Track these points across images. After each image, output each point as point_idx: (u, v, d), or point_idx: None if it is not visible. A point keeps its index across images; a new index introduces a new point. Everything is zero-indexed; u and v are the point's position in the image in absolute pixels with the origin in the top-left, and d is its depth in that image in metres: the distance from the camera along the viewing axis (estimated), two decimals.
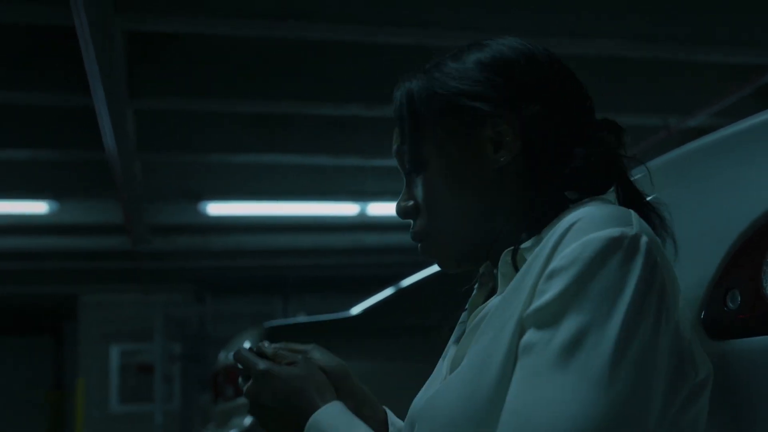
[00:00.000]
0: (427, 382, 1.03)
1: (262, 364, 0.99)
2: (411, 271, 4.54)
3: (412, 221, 0.99)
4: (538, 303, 0.79)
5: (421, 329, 3.74)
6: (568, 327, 0.77)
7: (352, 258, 10.20)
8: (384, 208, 8.09)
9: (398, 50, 5.11)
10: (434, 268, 4.03)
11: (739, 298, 0.97)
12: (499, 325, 0.83)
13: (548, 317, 0.78)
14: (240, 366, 1.01)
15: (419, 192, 0.96)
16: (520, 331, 0.81)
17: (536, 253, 0.84)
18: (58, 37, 4.70)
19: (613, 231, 0.79)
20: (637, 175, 1.31)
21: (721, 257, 0.98)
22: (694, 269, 1.00)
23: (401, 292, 4.09)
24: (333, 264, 10.61)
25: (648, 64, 5.63)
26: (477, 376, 0.82)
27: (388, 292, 4.14)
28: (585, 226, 0.81)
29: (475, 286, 1.04)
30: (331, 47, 5.12)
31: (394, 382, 3.68)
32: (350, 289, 10.25)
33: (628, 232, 0.80)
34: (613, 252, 0.78)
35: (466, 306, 1.06)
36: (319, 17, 4.23)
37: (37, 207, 7.39)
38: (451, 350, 1.01)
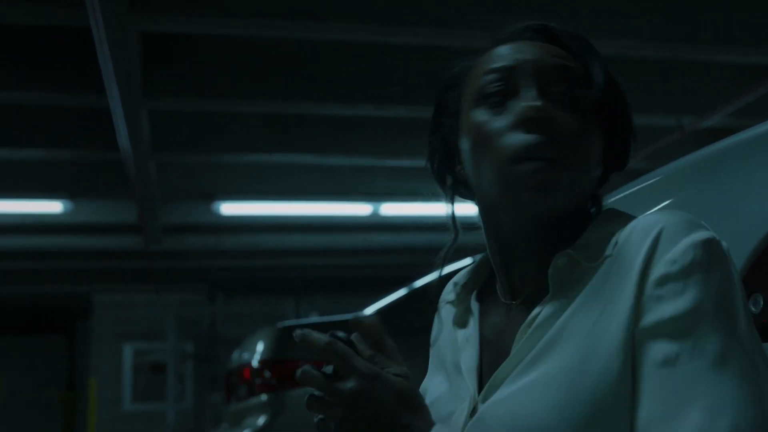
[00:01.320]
0: (435, 394, 1.00)
1: (369, 367, 0.87)
2: (423, 271, 4.53)
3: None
4: (664, 313, 0.80)
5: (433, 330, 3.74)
6: (712, 334, 0.78)
7: (364, 258, 10.19)
8: (396, 208, 8.08)
9: (410, 50, 5.11)
10: (447, 269, 4.02)
11: (762, 303, 0.97)
12: (593, 333, 0.83)
13: (686, 326, 0.79)
14: (325, 353, 0.87)
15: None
16: (632, 340, 0.81)
17: (617, 260, 0.85)
18: (73, 38, 4.72)
19: (704, 233, 0.83)
20: (649, 180, 1.31)
21: (744, 261, 0.98)
22: None
23: (414, 293, 4.09)
24: (345, 264, 10.60)
25: (662, 65, 5.61)
26: (573, 386, 0.81)
27: (400, 292, 4.14)
28: (675, 230, 0.83)
29: (457, 285, 1.04)
30: (343, 48, 5.13)
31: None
32: (362, 289, 10.25)
33: (711, 233, 0.84)
34: (716, 254, 0.82)
35: (449, 301, 1.05)
36: (332, 18, 4.23)
37: (52, 206, 7.42)
38: (470, 356, 0.97)
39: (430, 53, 5.11)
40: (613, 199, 1.33)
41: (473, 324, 0.99)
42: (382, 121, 6.20)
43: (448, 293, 1.07)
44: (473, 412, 0.90)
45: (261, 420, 3.72)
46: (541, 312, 0.88)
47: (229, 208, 7.80)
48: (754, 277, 0.97)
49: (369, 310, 4.04)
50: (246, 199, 7.73)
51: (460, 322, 1.02)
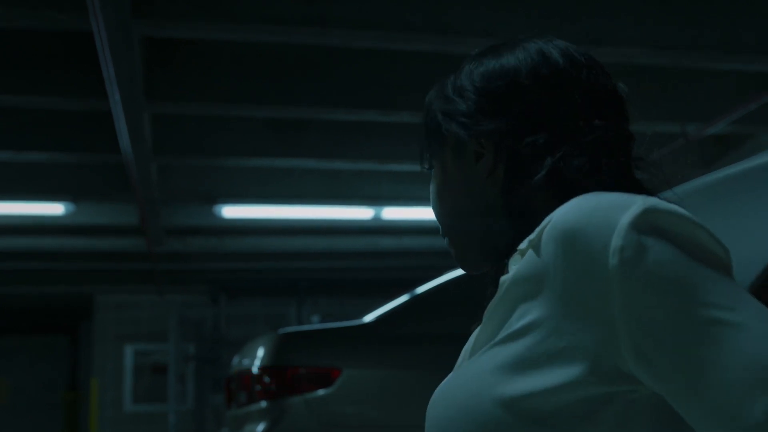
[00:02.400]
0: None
1: None
2: (424, 273, 4.52)
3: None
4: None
5: (435, 337, 3.73)
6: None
7: (366, 261, 10.20)
8: (399, 212, 8.09)
9: (414, 56, 5.11)
10: (447, 276, 4.01)
11: None
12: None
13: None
14: None
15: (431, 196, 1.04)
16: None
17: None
18: (76, 42, 4.73)
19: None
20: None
21: (750, 283, 0.97)
22: None
23: (415, 300, 4.08)
24: (347, 267, 10.61)
25: (667, 72, 5.60)
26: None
27: (402, 299, 4.13)
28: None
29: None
30: (347, 53, 5.13)
31: (405, 391, 3.68)
32: (364, 292, 10.26)
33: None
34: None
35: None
36: (335, 23, 4.23)
37: (55, 209, 7.44)
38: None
39: (434, 59, 5.10)
40: None
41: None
42: (385, 126, 6.20)
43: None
44: None
45: (260, 427, 3.71)
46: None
47: (232, 211, 7.80)
48: (760, 300, 0.96)
49: (370, 317, 4.03)
50: (248, 202, 7.74)
51: None
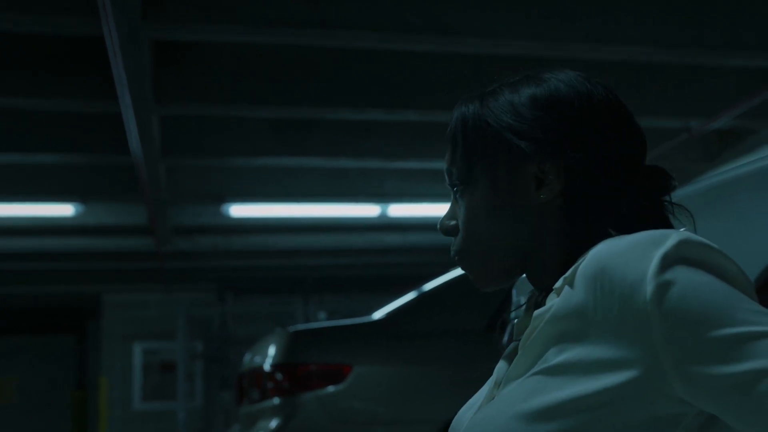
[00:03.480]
0: (472, 399, 1.03)
1: None
2: (430, 270, 4.56)
3: (453, 238, 1.02)
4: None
5: (444, 333, 3.79)
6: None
7: (372, 258, 10.24)
8: (404, 210, 8.13)
9: (417, 56, 5.16)
10: (455, 272, 4.06)
11: None
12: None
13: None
14: None
15: (461, 212, 0.99)
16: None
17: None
18: (86, 46, 4.78)
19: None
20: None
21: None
22: None
23: (423, 297, 4.13)
24: (353, 264, 10.65)
25: (670, 69, 5.63)
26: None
27: (410, 296, 4.17)
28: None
29: (523, 308, 1.05)
30: (351, 54, 5.17)
31: (416, 387, 3.74)
32: (370, 289, 10.30)
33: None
34: None
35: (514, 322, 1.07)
36: (340, 25, 4.28)
37: (64, 209, 7.50)
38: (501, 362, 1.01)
39: (437, 59, 5.15)
40: None
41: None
42: (390, 124, 6.24)
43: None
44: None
45: (273, 423, 3.76)
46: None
47: (239, 210, 7.85)
48: (760, 302, 1.01)
49: (379, 314, 4.09)
50: (255, 201, 7.79)
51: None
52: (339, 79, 5.27)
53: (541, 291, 0.97)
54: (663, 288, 0.78)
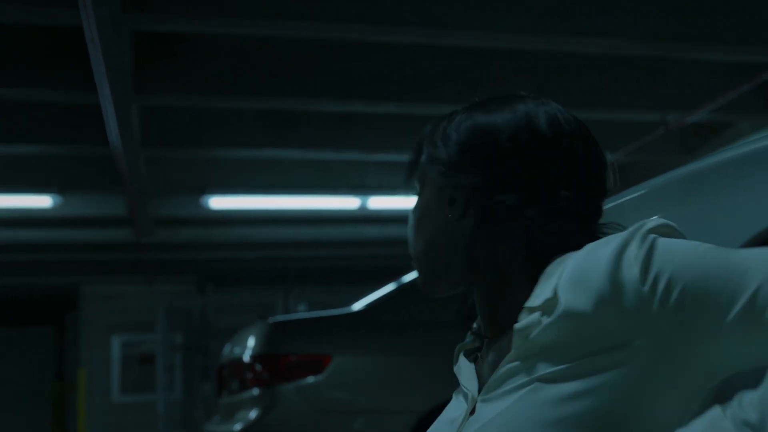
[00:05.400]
0: (445, 416, 1.06)
1: None
2: (409, 261, 4.59)
3: None
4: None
5: (421, 324, 3.82)
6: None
7: (352, 250, 10.26)
8: (384, 202, 8.15)
9: (400, 49, 5.17)
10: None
11: None
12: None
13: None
14: None
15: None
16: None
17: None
18: (65, 36, 4.75)
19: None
20: (635, 193, 1.37)
21: None
22: None
23: (402, 288, 4.15)
24: (334, 256, 10.66)
25: (648, 62, 5.69)
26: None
27: (389, 287, 4.20)
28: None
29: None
30: (334, 46, 5.18)
31: (395, 377, 3.77)
32: (351, 280, 10.32)
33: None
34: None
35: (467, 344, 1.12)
36: (325, 17, 4.28)
37: (42, 201, 7.45)
38: (469, 374, 1.05)
39: (420, 52, 5.17)
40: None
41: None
42: (371, 117, 6.26)
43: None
44: (473, 411, 0.97)
45: (253, 414, 3.77)
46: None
47: (220, 202, 7.84)
48: None
49: (359, 305, 4.11)
50: (236, 193, 7.78)
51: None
52: (320, 71, 5.28)
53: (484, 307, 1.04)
54: (646, 264, 0.85)
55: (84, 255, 10.08)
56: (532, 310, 0.93)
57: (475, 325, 1.12)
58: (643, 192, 1.33)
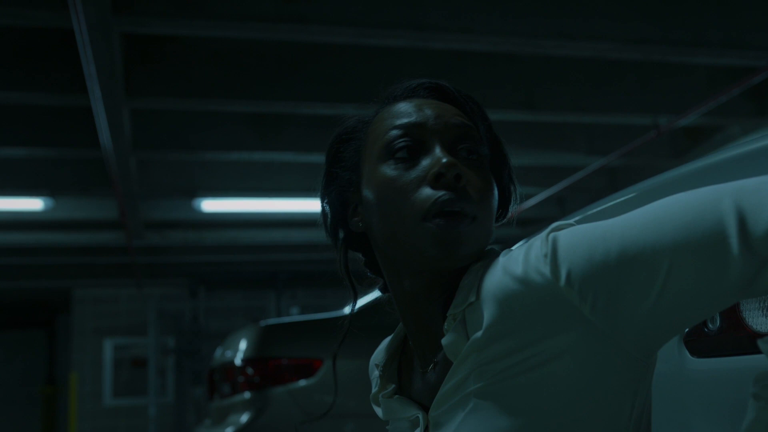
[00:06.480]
0: None
1: None
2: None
3: None
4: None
5: None
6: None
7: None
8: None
9: (391, 52, 5.17)
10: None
11: (718, 320, 1.04)
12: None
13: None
14: None
15: None
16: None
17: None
18: (56, 38, 4.74)
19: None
20: (624, 196, 1.37)
21: None
22: None
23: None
24: (325, 259, 10.64)
25: (639, 66, 5.70)
26: None
27: (377, 292, 4.19)
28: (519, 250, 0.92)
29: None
30: (324, 49, 5.18)
31: None
32: (341, 283, 10.30)
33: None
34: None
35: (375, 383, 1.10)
36: (313, 20, 4.28)
37: (33, 204, 7.42)
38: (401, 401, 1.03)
39: (410, 55, 5.17)
40: (590, 212, 1.40)
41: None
42: None
43: (372, 374, 1.13)
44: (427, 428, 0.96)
45: (244, 417, 3.77)
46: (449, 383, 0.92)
47: (211, 205, 7.82)
48: None
49: (349, 309, 4.09)
50: (227, 196, 7.76)
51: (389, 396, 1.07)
52: (312, 73, 5.27)
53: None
54: (554, 262, 0.83)
55: (75, 258, 10.06)
56: (454, 316, 0.91)
57: (376, 365, 1.10)
58: (633, 195, 1.33)
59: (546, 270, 0.83)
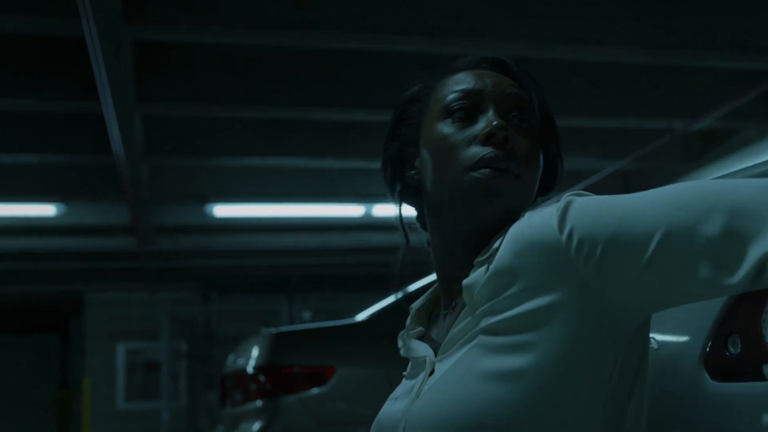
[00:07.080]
0: (394, 394, 1.10)
1: None
2: (414, 269, 4.59)
3: None
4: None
5: None
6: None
7: (356, 258, 10.24)
8: (389, 209, 8.12)
9: (401, 57, 5.15)
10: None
11: (740, 344, 1.01)
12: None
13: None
14: None
15: None
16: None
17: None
18: (68, 46, 4.75)
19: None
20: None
21: (723, 302, 1.02)
22: (697, 313, 1.03)
23: (406, 298, 4.12)
24: (337, 263, 10.64)
25: (654, 70, 5.66)
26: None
27: (393, 297, 4.17)
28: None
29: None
30: (336, 55, 5.17)
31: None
32: (355, 288, 10.30)
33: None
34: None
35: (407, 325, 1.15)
36: (322, 26, 4.27)
37: (46, 210, 7.46)
38: (420, 345, 1.08)
39: (421, 60, 5.15)
40: None
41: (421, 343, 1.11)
42: (374, 125, 6.23)
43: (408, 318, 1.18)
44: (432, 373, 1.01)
45: (256, 425, 3.75)
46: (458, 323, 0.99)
47: (223, 210, 7.83)
48: (731, 320, 1.01)
49: (362, 316, 4.08)
50: (239, 201, 7.77)
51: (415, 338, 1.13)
52: (323, 79, 5.26)
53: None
54: (562, 218, 0.91)
55: (87, 263, 10.09)
56: (480, 263, 0.99)
57: (412, 307, 1.16)
58: None
59: (554, 221, 0.92)
